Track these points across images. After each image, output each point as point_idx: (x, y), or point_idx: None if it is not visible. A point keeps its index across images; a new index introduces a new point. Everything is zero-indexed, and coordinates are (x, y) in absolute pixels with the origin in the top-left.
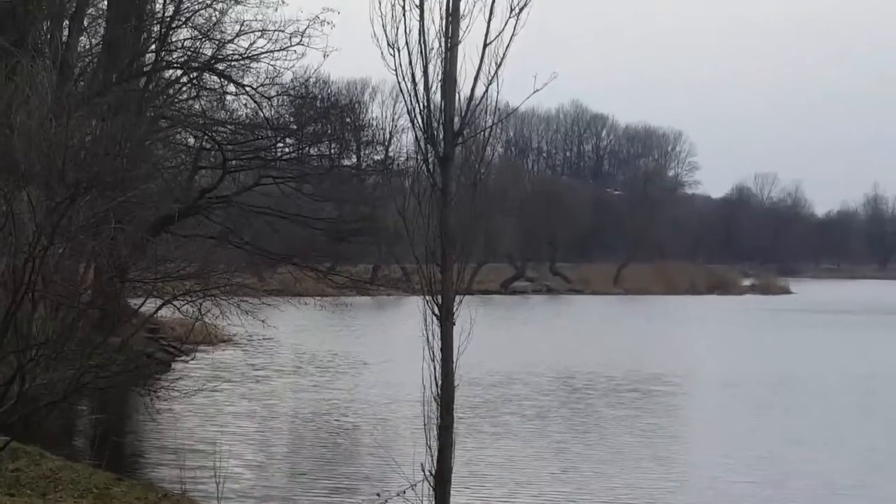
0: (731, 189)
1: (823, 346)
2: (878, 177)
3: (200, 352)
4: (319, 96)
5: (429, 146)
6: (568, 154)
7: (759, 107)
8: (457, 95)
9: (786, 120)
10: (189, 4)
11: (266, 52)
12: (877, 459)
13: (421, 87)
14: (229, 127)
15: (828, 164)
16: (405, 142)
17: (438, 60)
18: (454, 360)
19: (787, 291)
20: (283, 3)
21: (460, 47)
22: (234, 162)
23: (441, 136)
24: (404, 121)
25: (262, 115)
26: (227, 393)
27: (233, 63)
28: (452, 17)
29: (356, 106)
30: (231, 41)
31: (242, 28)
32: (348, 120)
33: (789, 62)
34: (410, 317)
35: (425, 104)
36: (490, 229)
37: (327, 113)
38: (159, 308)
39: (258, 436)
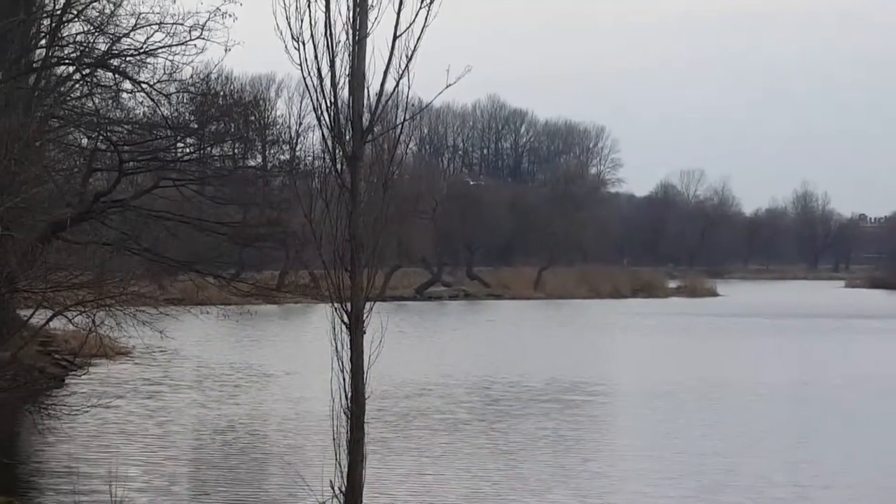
0: (655, 187)
1: (748, 352)
2: (806, 173)
3: (95, 365)
4: (221, 93)
5: (336, 145)
6: (485, 152)
7: (685, 101)
8: (366, 91)
9: (714, 114)
10: None
11: (164, 46)
12: (809, 471)
13: (327, 82)
14: (125, 126)
15: (756, 159)
16: (313, 141)
17: (346, 54)
18: (365, 370)
19: (714, 294)
20: None
21: (369, 40)
22: (130, 164)
23: (349, 135)
24: (311, 118)
25: (160, 113)
26: (123, 409)
27: (128, 58)
28: (360, 7)
29: (261, 103)
30: (126, 35)
31: (138, 21)
32: (252, 118)
33: (717, 55)
34: (319, 325)
35: (332, 100)
36: (404, 232)
37: (230, 111)
38: (50, 319)
39: (156, 456)
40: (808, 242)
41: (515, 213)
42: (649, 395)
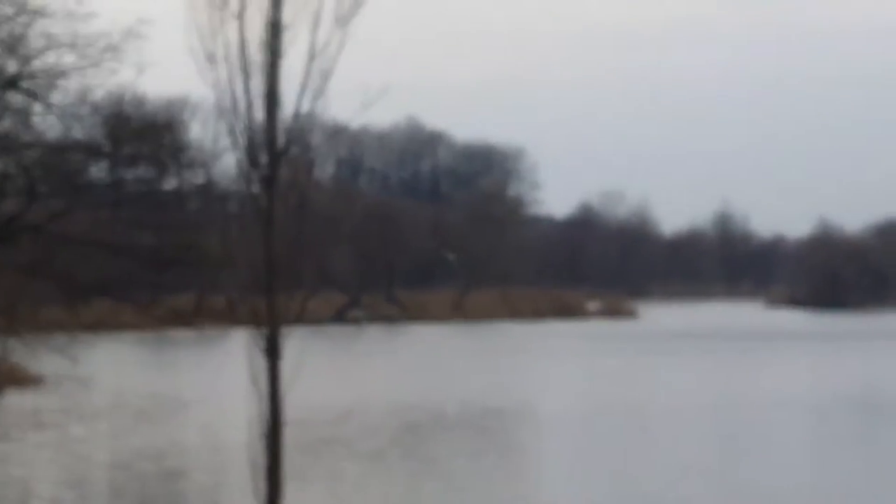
0: (575, 208)
1: (665, 374)
2: (726, 191)
3: (5, 395)
4: (134, 115)
5: (251, 167)
6: (403, 175)
7: (604, 120)
8: (281, 112)
9: (634, 133)
10: None
11: (76, 67)
12: (732, 489)
13: (242, 103)
14: (36, 149)
15: (676, 178)
16: (228, 163)
17: (261, 75)
18: (282, 397)
19: (634, 315)
20: (94, 15)
21: (284, 61)
22: (42, 188)
23: (265, 157)
24: (226, 141)
25: (72, 136)
26: (32, 441)
27: (39, 80)
28: (275, 28)
29: (175, 125)
30: (37, 57)
31: (49, 42)
32: (166, 140)
33: (636, 70)
34: (236, 351)
35: (247, 122)
36: (321, 255)
37: (143, 133)
38: None
39: (66, 488)
40: (729, 263)
41: (435, 236)
42: (566, 417)
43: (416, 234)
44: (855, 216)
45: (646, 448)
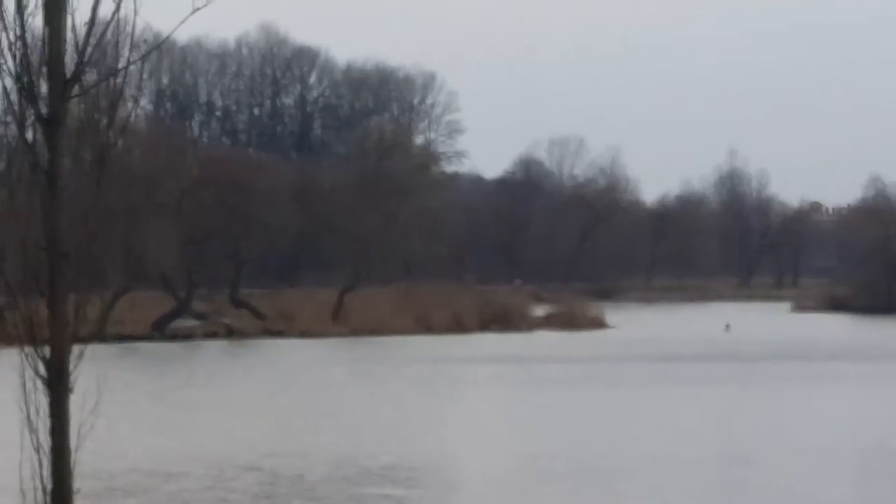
0: (513, 164)
1: (624, 420)
2: (735, 143)
3: None
4: None
5: (26, 102)
6: (257, 112)
7: (553, 47)
8: (70, 19)
9: (597, 60)
10: None
11: None
12: None
13: (11, 7)
14: None
15: (661, 124)
16: None
17: None
18: (73, 448)
19: (600, 325)
20: None
21: None
22: None
23: (46, 86)
24: None
25: None
26: None
27: None
28: None
29: None
30: None
31: None
32: None
33: None
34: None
35: (18, 33)
36: (134, 236)
37: None
38: None
39: None
40: (739, 244)
41: (304, 207)
42: (477, 479)
43: (276, 204)
44: None
45: None
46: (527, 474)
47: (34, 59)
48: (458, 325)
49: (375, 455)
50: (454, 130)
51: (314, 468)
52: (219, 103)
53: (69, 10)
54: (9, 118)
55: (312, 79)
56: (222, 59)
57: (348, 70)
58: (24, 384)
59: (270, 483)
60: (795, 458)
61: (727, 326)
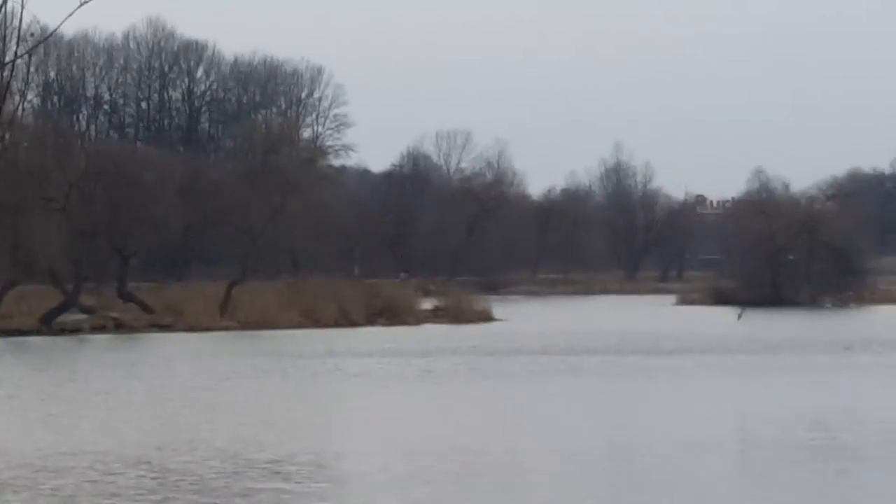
0: (400, 157)
1: (505, 413)
2: (623, 134)
3: None
4: None
5: None
6: (144, 105)
7: (439, 40)
8: None
9: (477, 56)
10: None
11: None
12: None
13: None
14: None
15: (545, 118)
16: None
17: None
18: None
19: (487, 318)
20: None
21: None
22: None
23: None
24: None
25: None
26: None
27: None
28: None
29: None
30: None
31: None
32: None
33: None
34: None
35: None
36: (19, 229)
37: None
38: None
39: None
40: (625, 237)
41: (191, 200)
42: (362, 476)
43: (164, 198)
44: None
45: None
46: (411, 469)
47: None
48: (345, 319)
49: (263, 449)
50: (341, 124)
51: (202, 462)
52: (106, 97)
53: None
54: None
55: (200, 73)
56: (110, 52)
57: (236, 64)
58: None
59: (157, 477)
60: (682, 453)
61: (739, 316)
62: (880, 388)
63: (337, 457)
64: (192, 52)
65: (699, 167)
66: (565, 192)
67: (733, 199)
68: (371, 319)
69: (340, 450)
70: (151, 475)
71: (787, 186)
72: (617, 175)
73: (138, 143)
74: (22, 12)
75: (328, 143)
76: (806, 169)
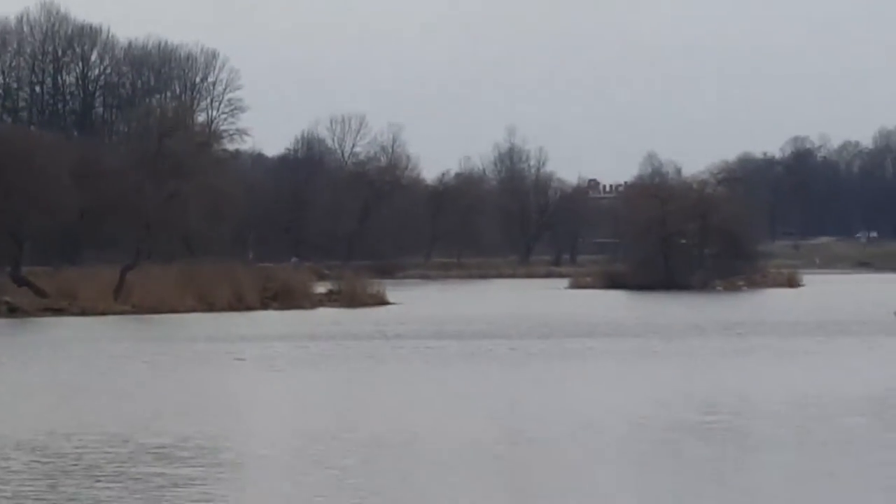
0: (294, 142)
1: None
2: (516, 118)
3: None
4: None
5: None
6: (38, 90)
7: (335, 25)
8: None
9: (373, 40)
10: None
11: None
12: None
13: None
14: None
15: (439, 102)
16: None
17: None
18: None
19: (382, 301)
20: None
21: None
22: None
23: None
24: None
25: None
26: None
27: None
28: None
29: None
30: None
31: None
32: None
33: None
34: None
35: None
36: None
37: None
38: None
39: None
40: (519, 222)
41: (85, 187)
42: (255, 460)
43: (57, 182)
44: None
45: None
46: (306, 453)
47: None
48: (239, 303)
49: (156, 434)
50: (236, 108)
51: (93, 447)
52: (0, 81)
53: None
54: None
55: (94, 57)
56: (3, 36)
57: (130, 48)
58: None
59: (48, 462)
60: (572, 436)
61: None
62: (769, 370)
63: (230, 441)
64: (86, 36)
65: (592, 152)
66: (459, 176)
67: (626, 183)
68: (265, 303)
69: (234, 434)
70: (43, 460)
71: (679, 171)
72: (510, 159)
73: (32, 128)
74: None
75: (223, 128)
76: (698, 153)
